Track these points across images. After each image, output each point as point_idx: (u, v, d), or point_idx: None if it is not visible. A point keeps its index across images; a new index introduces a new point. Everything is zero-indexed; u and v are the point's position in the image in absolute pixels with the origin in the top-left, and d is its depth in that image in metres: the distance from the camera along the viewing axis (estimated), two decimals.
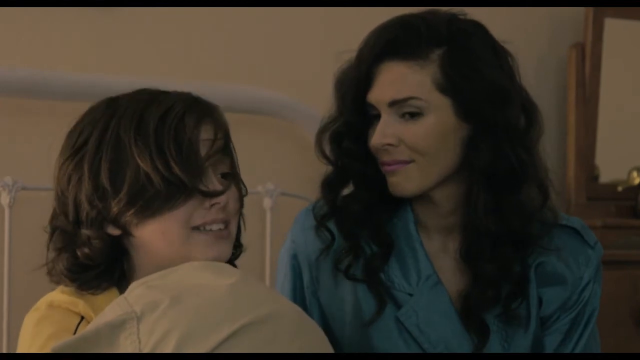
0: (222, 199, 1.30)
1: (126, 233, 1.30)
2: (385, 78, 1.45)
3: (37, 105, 2.07)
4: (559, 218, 1.55)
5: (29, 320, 1.30)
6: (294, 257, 1.59)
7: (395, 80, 1.45)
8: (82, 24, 2.13)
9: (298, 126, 2.30)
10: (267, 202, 2.25)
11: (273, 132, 2.33)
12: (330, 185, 1.55)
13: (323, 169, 2.26)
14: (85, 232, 1.29)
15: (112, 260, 1.31)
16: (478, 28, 1.50)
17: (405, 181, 1.47)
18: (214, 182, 1.30)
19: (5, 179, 1.97)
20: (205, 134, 1.30)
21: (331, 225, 1.55)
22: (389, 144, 1.45)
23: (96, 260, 1.29)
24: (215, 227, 1.30)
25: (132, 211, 1.26)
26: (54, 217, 1.33)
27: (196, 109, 1.30)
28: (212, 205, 1.29)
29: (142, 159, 1.25)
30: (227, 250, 1.32)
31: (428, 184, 1.48)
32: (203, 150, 1.29)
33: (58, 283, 1.34)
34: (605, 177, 2.70)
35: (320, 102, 2.25)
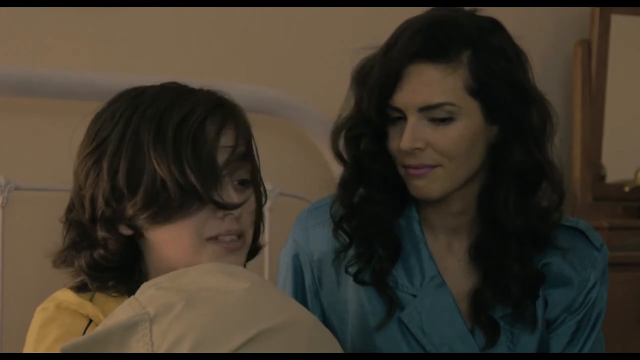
0: (236, 210, 1.28)
1: (138, 234, 1.29)
2: (416, 81, 1.43)
3: (31, 104, 2.07)
4: (565, 219, 1.55)
5: (36, 321, 1.29)
6: (296, 257, 1.58)
7: (428, 85, 1.43)
8: (82, 24, 2.13)
9: (298, 125, 2.30)
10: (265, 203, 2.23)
11: (272, 131, 2.34)
12: (346, 186, 1.53)
13: (323, 169, 2.25)
14: (100, 233, 1.28)
15: (130, 261, 1.30)
16: (497, 25, 1.49)
17: (431, 185, 1.46)
18: (229, 193, 1.27)
19: None
20: (226, 140, 1.28)
21: (344, 226, 1.54)
22: (417, 148, 1.44)
23: (112, 261, 1.28)
24: (228, 238, 1.28)
25: (145, 215, 1.25)
26: (70, 209, 1.32)
27: (218, 113, 1.28)
28: (225, 216, 1.27)
29: (159, 165, 1.24)
30: (239, 262, 1.30)
31: (453, 187, 1.47)
32: (222, 158, 1.27)
33: (58, 267, 1.31)
34: (611, 177, 2.70)
35: (321, 101, 2.25)
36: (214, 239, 1.27)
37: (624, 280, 2.39)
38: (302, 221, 1.59)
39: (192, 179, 1.23)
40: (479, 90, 1.43)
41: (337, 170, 1.72)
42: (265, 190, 1.36)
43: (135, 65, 2.17)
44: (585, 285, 1.53)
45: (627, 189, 2.69)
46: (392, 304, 1.50)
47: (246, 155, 1.30)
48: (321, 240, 1.55)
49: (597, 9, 2.64)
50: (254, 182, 1.32)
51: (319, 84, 2.33)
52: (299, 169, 2.33)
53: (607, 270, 1.57)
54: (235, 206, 1.26)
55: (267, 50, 2.34)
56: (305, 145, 2.33)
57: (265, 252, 2.25)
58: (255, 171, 1.33)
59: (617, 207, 2.65)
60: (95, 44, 2.15)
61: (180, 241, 1.26)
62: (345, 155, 1.53)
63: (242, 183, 1.30)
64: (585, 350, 1.54)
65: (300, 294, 1.58)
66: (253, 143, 1.33)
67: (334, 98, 1.57)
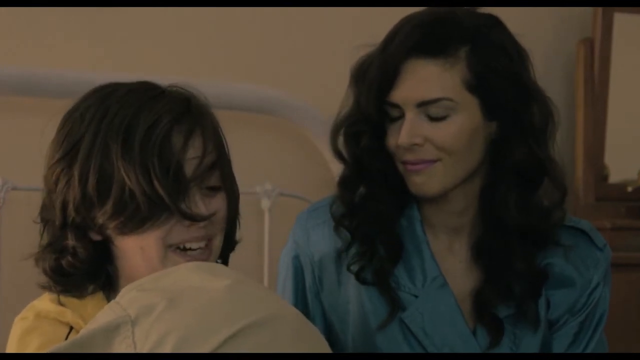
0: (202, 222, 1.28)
1: (108, 241, 1.29)
2: (414, 77, 1.43)
3: (31, 104, 2.06)
4: (567, 219, 1.54)
5: (15, 331, 1.29)
6: (296, 258, 1.58)
7: (425, 80, 1.43)
8: (82, 24, 2.13)
9: (298, 125, 2.30)
10: (265, 203, 2.24)
11: (271, 131, 2.33)
12: (346, 184, 1.53)
13: (323, 169, 2.24)
14: (70, 241, 1.27)
15: (97, 264, 1.30)
16: (497, 22, 1.49)
17: (430, 181, 1.45)
18: (197, 203, 1.27)
19: None
20: (193, 151, 1.26)
21: (346, 224, 1.53)
22: (416, 144, 1.44)
23: (80, 269, 1.29)
24: (195, 245, 1.28)
25: (114, 224, 1.25)
26: (43, 209, 1.31)
27: (185, 121, 1.26)
28: (191, 225, 1.27)
29: (127, 175, 1.23)
30: None
31: (452, 183, 1.47)
32: (189, 169, 1.26)
33: (44, 288, 1.31)
34: (614, 177, 2.68)
35: (321, 101, 2.24)
36: (180, 247, 1.27)
37: (626, 281, 2.38)
38: (302, 222, 1.58)
39: (160, 190, 1.22)
40: (477, 86, 1.43)
41: (337, 170, 1.71)
42: (237, 190, 1.34)
43: (135, 65, 2.17)
44: (588, 286, 1.53)
45: (629, 189, 2.69)
46: (394, 304, 1.50)
47: (215, 163, 1.28)
48: (322, 241, 1.55)
49: (599, 8, 2.63)
50: (226, 186, 1.30)
51: (319, 84, 2.32)
52: (299, 169, 2.33)
53: (610, 271, 1.56)
54: (203, 218, 1.26)
55: (267, 50, 2.33)
56: (305, 145, 2.32)
57: (265, 252, 2.26)
58: (227, 175, 1.31)
59: (619, 208, 2.64)
60: (95, 44, 2.15)
61: (148, 250, 1.26)
62: (344, 153, 1.53)
63: (212, 189, 1.29)
64: (588, 351, 1.53)
65: (300, 295, 1.57)
66: (225, 144, 1.31)
67: (334, 98, 1.56)
